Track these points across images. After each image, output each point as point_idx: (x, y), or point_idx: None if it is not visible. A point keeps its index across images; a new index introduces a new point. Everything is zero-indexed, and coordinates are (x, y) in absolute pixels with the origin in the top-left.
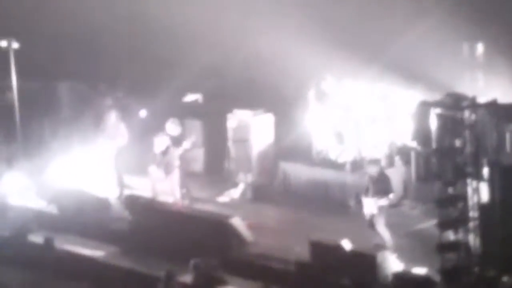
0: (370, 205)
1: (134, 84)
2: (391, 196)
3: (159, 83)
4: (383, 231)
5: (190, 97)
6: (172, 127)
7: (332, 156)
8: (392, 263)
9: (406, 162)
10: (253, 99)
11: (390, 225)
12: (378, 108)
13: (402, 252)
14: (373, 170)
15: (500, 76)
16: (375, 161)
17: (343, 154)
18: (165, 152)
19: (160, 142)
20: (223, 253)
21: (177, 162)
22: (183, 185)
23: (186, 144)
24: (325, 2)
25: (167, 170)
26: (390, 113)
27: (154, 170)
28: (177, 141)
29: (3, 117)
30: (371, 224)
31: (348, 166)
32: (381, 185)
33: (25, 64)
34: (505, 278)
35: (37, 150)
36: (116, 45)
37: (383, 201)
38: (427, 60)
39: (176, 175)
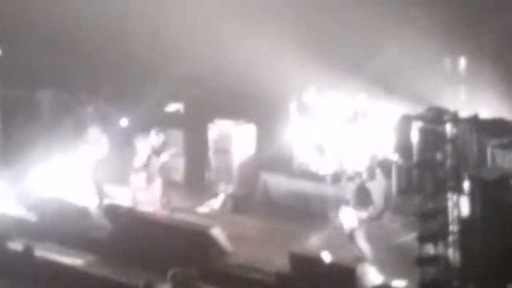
0: (350, 218)
1: (115, 93)
2: (371, 208)
3: (140, 92)
4: (363, 244)
5: (171, 107)
6: (156, 137)
7: (313, 168)
8: (372, 276)
9: (387, 175)
10: (234, 109)
11: (370, 238)
12: (360, 121)
13: (381, 265)
14: (351, 187)
15: (482, 91)
16: (353, 178)
17: (324, 166)
18: (146, 162)
19: (141, 152)
20: (203, 263)
21: (157, 172)
22: (163, 194)
23: (164, 157)
24: (308, 14)
25: (148, 179)
26: (371, 126)
27: (135, 179)
28: (158, 151)
29: None
30: (350, 236)
31: (328, 178)
32: (361, 197)
33: (5, 71)
34: None
35: (17, 158)
36: (98, 54)
37: (363, 214)
38: (410, 73)
39: (157, 184)
